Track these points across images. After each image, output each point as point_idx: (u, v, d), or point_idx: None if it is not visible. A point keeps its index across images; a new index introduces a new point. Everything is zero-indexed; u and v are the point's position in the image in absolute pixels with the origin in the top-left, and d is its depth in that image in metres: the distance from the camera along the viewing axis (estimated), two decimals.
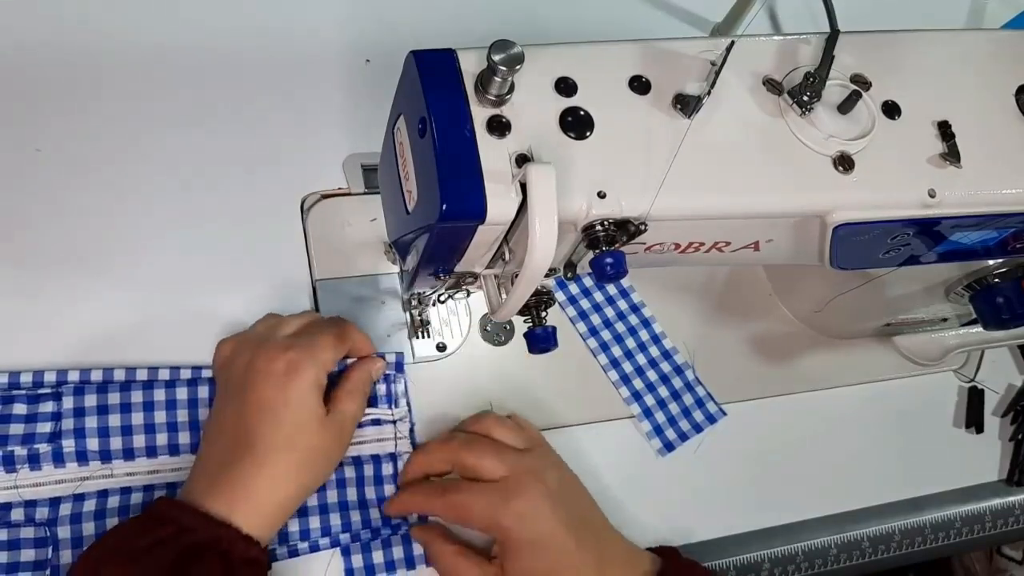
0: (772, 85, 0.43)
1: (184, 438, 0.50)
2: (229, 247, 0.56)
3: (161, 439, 0.50)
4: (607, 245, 0.39)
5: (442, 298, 0.54)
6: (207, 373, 0.52)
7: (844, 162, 0.42)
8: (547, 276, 0.40)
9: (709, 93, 0.40)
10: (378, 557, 0.51)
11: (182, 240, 0.56)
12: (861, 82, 0.44)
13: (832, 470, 0.62)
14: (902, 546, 0.62)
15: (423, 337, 0.58)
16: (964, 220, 0.45)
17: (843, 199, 0.42)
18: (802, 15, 0.74)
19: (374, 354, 0.53)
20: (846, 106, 0.43)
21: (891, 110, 0.44)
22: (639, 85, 0.41)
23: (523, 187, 0.37)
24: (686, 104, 0.41)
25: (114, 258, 0.55)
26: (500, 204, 0.37)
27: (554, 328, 0.47)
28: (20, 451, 0.47)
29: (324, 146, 0.61)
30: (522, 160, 0.38)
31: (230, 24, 0.63)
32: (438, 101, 0.38)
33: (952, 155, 0.44)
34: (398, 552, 0.51)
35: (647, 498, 0.57)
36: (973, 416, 0.67)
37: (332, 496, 0.51)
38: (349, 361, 0.52)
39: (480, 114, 0.38)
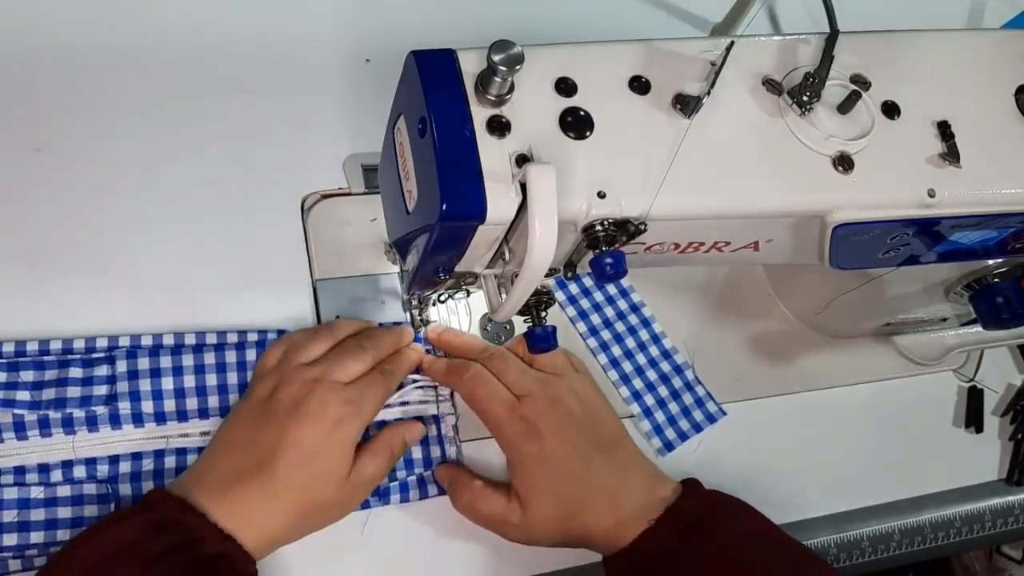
0: (772, 85, 0.43)
1: (234, 400, 0.52)
2: (229, 247, 0.56)
3: (212, 401, 0.51)
4: (607, 245, 0.39)
5: (442, 298, 0.54)
6: (252, 337, 0.53)
7: (844, 162, 0.42)
8: (547, 276, 0.40)
9: (709, 93, 0.40)
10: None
11: (182, 240, 0.56)
12: (861, 82, 0.44)
13: (832, 470, 0.62)
14: (902, 546, 0.62)
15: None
16: (964, 220, 0.45)
17: (843, 199, 0.42)
18: (802, 15, 0.74)
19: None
20: (846, 106, 0.43)
21: (891, 110, 0.44)
22: (639, 85, 0.41)
23: (523, 187, 0.37)
24: (686, 104, 0.41)
25: (114, 258, 0.55)
26: (500, 204, 0.37)
27: (554, 328, 0.47)
28: (79, 413, 0.49)
29: (324, 146, 0.61)
30: (522, 160, 0.38)
31: (230, 24, 0.63)
32: (438, 101, 0.38)
33: (952, 155, 0.44)
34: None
35: None
36: (973, 416, 0.67)
37: None
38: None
39: (480, 114, 0.38)
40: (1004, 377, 0.70)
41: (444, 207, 0.36)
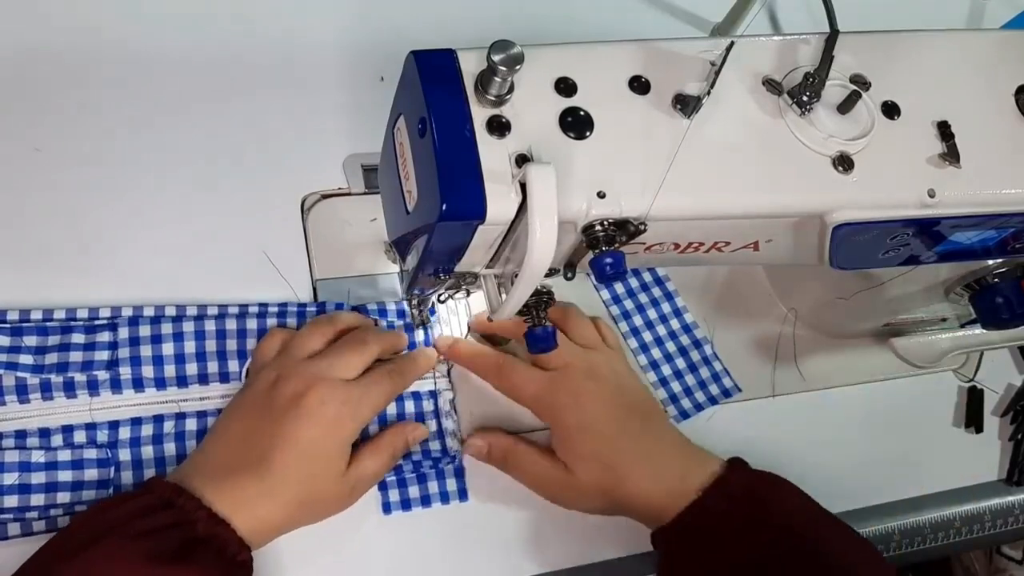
0: (772, 85, 0.43)
1: (233, 366, 0.52)
2: (229, 247, 0.56)
3: (212, 367, 0.52)
4: (607, 245, 0.39)
5: (442, 298, 0.54)
6: (253, 309, 0.54)
7: (844, 162, 0.42)
8: (547, 276, 0.40)
9: (709, 93, 0.40)
10: (414, 492, 0.54)
11: (182, 240, 0.56)
12: (861, 82, 0.44)
13: (832, 470, 0.62)
14: (901, 546, 0.62)
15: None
16: (964, 220, 0.45)
17: (843, 199, 0.42)
18: (802, 15, 0.74)
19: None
20: (846, 106, 0.43)
21: (891, 110, 0.44)
22: (639, 85, 0.41)
23: (523, 187, 0.37)
24: (686, 104, 0.41)
25: (114, 258, 0.55)
26: (500, 204, 0.37)
27: (554, 328, 0.47)
28: (80, 377, 0.50)
29: (324, 146, 0.61)
30: (522, 160, 0.38)
31: (230, 24, 0.63)
32: (438, 101, 0.38)
33: (952, 155, 0.44)
34: (434, 487, 0.54)
35: None
36: (973, 416, 0.67)
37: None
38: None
39: (480, 114, 0.38)
40: (1004, 377, 0.69)
41: (444, 207, 0.36)
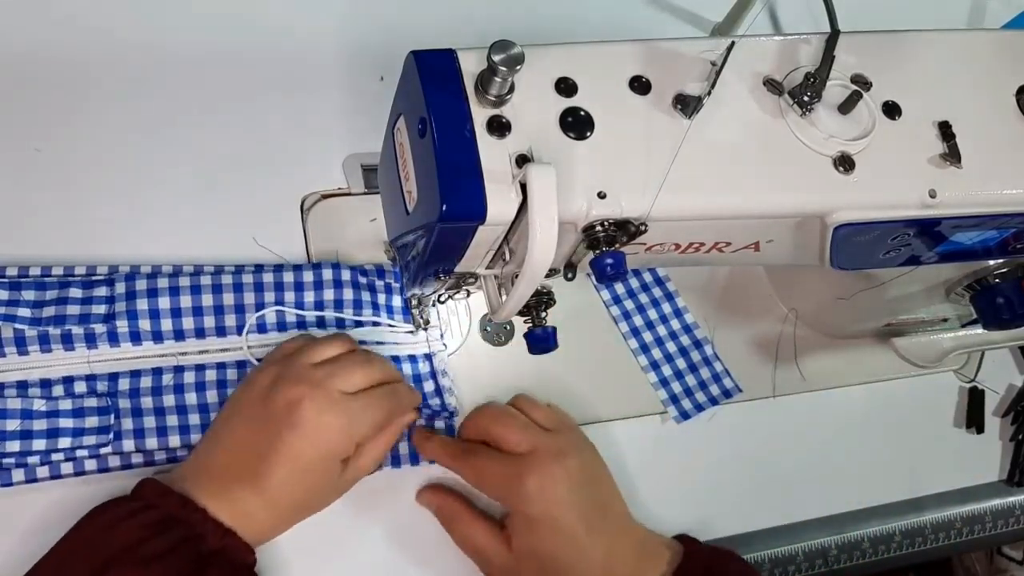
0: (772, 85, 0.43)
1: (230, 320, 0.53)
2: (229, 247, 0.56)
3: (209, 322, 0.53)
4: (607, 245, 0.39)
5: (442, 298, 0.54)
6: (249, 267, 0.55)
7: (844, 162, 0.42)
8: (547, 276, 0.39)
9: (709, 93, 0.40)
10: (403, 448, 0.54)
11: (182, 239, 0.56)
12: (861, 82, 0.44)
13: (832, 470, 0.62)
14: (902, 546, 0.62)
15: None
16: (964, 220, 0.45)
17: (843, 199, 0.42)
18: (802, 15, 0.74)
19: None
20: (846, 106, 0.43)
21: (891, 110, 0.44)
22: (639, 85, 0.41)
23: (523, 187, 0.36)
24: (686, 104, 0.41)
25: (113, 257, 0.54)
26: (500, 204, 0.37)
27: (554, 328, 0.47)
28: (77, 330, 0.50)
29: (324, 146, 0.61)
30: (522, 160, 0.38)
31: (230, 23, 0.63)
32: (438, 101, 0.37)
33: (952, 155, 0.44)
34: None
35: (645, 499, 0.57)
36: (973, 416, 0.67)
37: None
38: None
39: (480, 114, 0.38)
40: (1005, 378, 0.69)
41: (444, 207, 0.36)
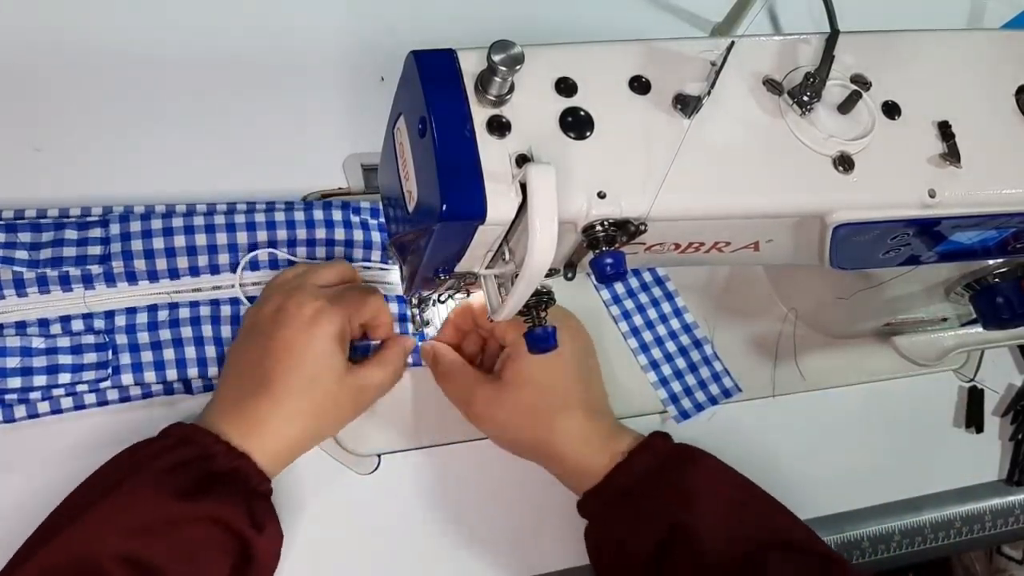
0: (772, 85, 0.43)
1: (223, 259, 0.54)
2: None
3: (203, 260, 0.54)
4: (607, 245, 0.39)
5: (442, 298, 0.54)
6: (241, 207, 0.56)
7: (844, 162, 0.42)
8: (547, 276, 0.40)
9: (709, 93, 0.40)
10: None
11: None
12: (861, 82, 0.44)
13: (832, 470, 0.62)
14: (902, 546, 0.62)
15: (424, 338, 0.57)
16: (964, 220, 0.45)
17: (843, 199, 0.42)
18: (802, 15, 0.74)
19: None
20: (846, 106, 0.43)
21: (891, 110, 0.44)
22: (639, 85, 0.41)
23: (523, 187, 0.36)
24: (686, 104, 0.41)
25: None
26: (500, 204, 0.37)
27: (554, 328, 0.47)
28: (74, 271, 0.52)
29: (324, 146, 0.61)
30: (522, 160, 0.38)
31: (230, 24, 0.63)
32: (438, 101, 0.37)
33: (952, 155, 0.44)
34: None
35: None
36: (973, 416, 0.67)
37: None
38: (373, 343, 0.54)
39: (480, 114, 0.38)
40: (1004, 377, 0.70)
41: (444, 207, 0.36)
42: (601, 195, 0.39)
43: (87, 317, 0.52)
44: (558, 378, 0.51)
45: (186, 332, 0.53)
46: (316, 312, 0.48)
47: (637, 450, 0.51)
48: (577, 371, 0.52)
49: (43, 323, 0.51)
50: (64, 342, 0.51)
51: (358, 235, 0.56)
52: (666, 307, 0.63)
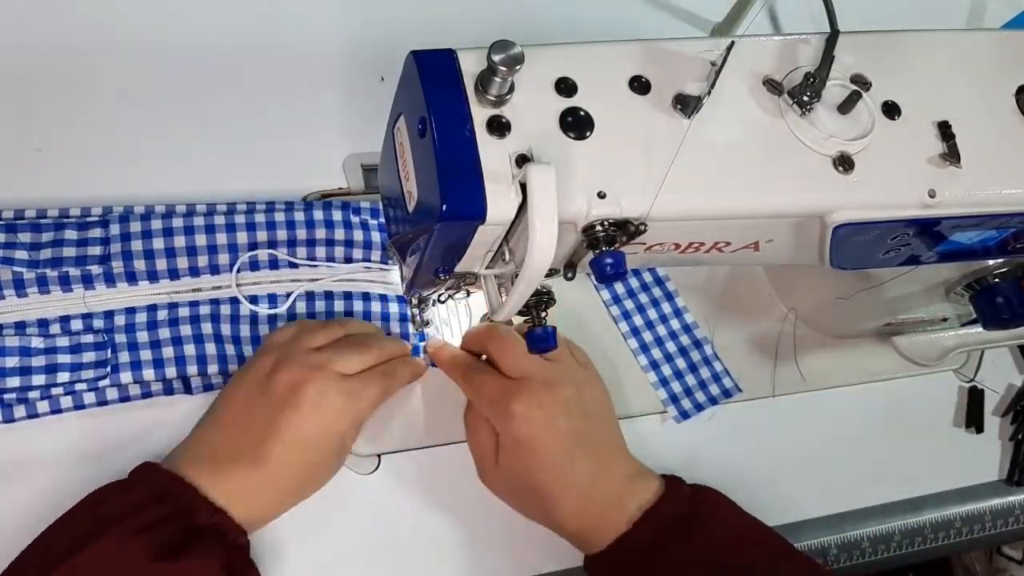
0: (772, 85, 0.43)
1: (223, 259, 0.54)
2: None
3: (202, 260, 0.54)
4: (607, 245, 0.39)
5: (442, 298, 0.54)
6: (241, 207, 0.56)
7: (844, 162, 0.42)
8: (547, 276, 0.40)
9: (709, 93, 0.40)
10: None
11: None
12: (861, 82, 0.44)
13: (832, 470, 0.62)
14: (902, 546, 0.62)
15: (424, 338, 0.57)
16: (964, 220, 0.45)
17: (843, 199, 0.42)
18: (802, 15, 0.74)
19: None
20: (846, 106, 0.43)
21: (891, 110, 0.44)
22: (639, 85, 0.41)
23: (523, 187, 0.36)
24: (686, 104, 0.41)
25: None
26: (500, 204, 0.37)
27: (554, 328, 0.47)
28: (74, 272, 0.52)
29: (324, 146, 0.61)
30: (522, 160, 0.38)
31: (230, 24, 0.63)
32: (438, 101, 0.37)
33: (952, 155, 0.44)
34: None
35: None
36: (973, 416, 0.67)
37: None
38: None
39: (480, 114, 0.38)
40: (1004, 377, 0.70)
41: (444, 207, 0.36)
42: (601, 195, 0.39)
43: (86, 317, 0.52)
44: (554, 454, 0.49)
45: (185, 330, 0.53)
46: (335, 411, 0.47)
47: (641, 520, 0.49)
48: (570, 446, 0.49)
49: (42, 323, 0.51)
50: (63, 341, 0.51)
51: (358, 235, 0.56)
52: (666, 307, 0.63)
